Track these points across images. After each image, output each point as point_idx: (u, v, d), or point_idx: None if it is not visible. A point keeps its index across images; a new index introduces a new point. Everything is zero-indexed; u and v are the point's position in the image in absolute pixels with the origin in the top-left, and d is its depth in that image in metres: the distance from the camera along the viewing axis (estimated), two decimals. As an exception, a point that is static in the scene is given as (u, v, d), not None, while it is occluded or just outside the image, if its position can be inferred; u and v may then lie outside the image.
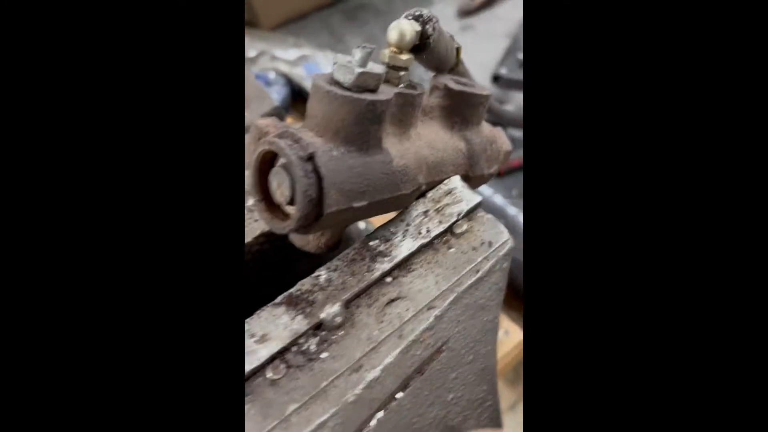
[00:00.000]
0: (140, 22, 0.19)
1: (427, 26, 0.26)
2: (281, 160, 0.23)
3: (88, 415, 0.18)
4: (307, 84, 1.00)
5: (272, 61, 1.03)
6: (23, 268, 0.17)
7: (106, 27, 0.19)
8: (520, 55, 1.02)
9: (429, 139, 0.30)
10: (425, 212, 0.30)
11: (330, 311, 0.26)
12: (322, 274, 0.27)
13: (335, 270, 0.28)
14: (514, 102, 0.97)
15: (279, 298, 0.26)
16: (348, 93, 0.22)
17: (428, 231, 0.29)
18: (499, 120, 0.89)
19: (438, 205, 0.30)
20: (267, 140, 0.23)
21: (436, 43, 0.27)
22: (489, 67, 1.07)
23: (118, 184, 0.19)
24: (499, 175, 0.88)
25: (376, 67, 0.24)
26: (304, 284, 0.27)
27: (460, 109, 0.31)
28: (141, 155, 0.19)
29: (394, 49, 0.26)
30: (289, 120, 1.02)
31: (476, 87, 0.33)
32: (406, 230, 0.29)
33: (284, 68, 1.01)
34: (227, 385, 0.20)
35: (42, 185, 0.18)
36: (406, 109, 0.27)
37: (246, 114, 0.50)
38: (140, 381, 0.19)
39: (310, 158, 0.22)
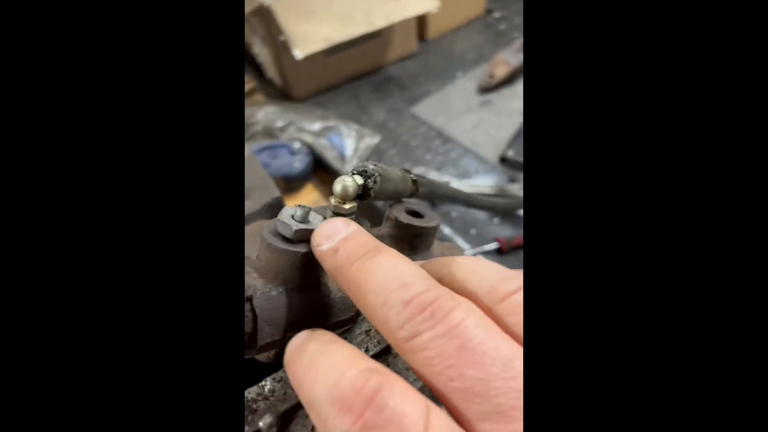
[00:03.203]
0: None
1: (369, 180, 0.31)
2: (231, 294, 0.28)
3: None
4: (327, 154, 1.08)
5: (298, 131, 1.12)
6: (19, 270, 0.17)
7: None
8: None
9: (375, 266, 0.34)
10: (367, 331, 0.34)
11: (267, 421, 0.30)
12: (267, 384, 0.31)
13: (279, 381, 0.32)
14: (521, 182, 1.01)
15: (227, 405, 0.31)
16: (286, 246, 0.27)
17: (366, 350, 0.33)
18: (496, 211, 0.93)
19: (379, 326, 0.34)
20: (219, 278, 0.28)
21: (378, 192, 0.32)
22: (502, 142, 1.12)
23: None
24: (501, 251, 0.91)
25: (316, 221, 0.28)
26: (251, 392, 0.31)
27: (408, 238, 0.36)
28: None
29: (339, 200, 0.31)
30: (309, 187, 1.10)
31: (426, 216, 0.37)
32: (347, 348, 0.33)
33: (309, 139, 1.09)
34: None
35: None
36: (346, 249, 0.31)
37: (247, 203, 0.56)
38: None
39: (249, 299, 0.27)
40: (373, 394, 0.18)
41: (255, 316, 0.27)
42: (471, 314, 0.20)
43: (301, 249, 0.27)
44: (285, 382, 0.32)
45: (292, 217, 0.28)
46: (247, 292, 0.27)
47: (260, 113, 1.16)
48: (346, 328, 0.34)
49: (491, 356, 0.18)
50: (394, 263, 0.23)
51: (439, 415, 0.19)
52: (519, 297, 0.21)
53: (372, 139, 1.14)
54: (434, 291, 0.21)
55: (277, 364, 0.33)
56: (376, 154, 1.13)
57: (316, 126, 1.14)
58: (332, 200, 0.31)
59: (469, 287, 0.23)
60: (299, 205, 0.28)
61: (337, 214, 0.31)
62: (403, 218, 0.35)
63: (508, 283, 0.21)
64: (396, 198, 0.36)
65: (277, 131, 1.13)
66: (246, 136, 1.12)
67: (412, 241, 0.36)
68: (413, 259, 0.36)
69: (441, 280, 0.24)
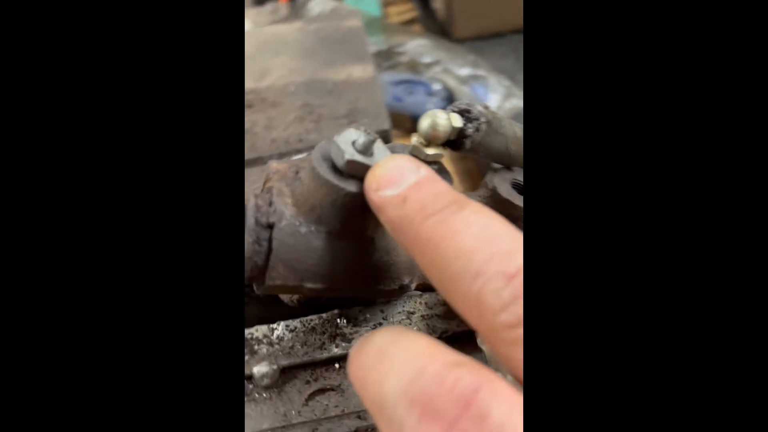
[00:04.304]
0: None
1: (469, 125, 0.23)
2: (259, 214, 0.23)
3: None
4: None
5: (444, 72, 1.02)
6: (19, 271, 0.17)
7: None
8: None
9: (447, 239, 0.26)
10: (410, 313, 0.27)
11: (262, 370, 0.25)
12: (278, 329, 0.27)
13: (292, 330, 0.27)
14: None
15: (231, 333, 0.27)
16: (332, 177, 0.21)
17: (401, 335, 0.26)
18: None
19: (428, 312, 0.27)
20: (253, 193, 0.23)
21: (478, 144, 0.23)
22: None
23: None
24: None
25: (381, 156, 0.21)
26: (258, 330, 0.27)
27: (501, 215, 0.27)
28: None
29: (422, 140, 0.23)
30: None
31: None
32: (380, 324, 0.26)
33: (451, 83, 1.00)
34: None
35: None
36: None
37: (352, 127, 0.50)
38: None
39: (270, 227, 0.21)
40: (469, 397, 0.14)
41: (270, 249, 0.21)
42: None
43: (350, 187, 0.21)
44: (297, 334, 0.27)
45: (353, 144, 0.21)
46: (271, 218, 0.21)
47: (410, 44, 1.08)
48: (384, 301, 0.27)
49: None
50: (487, 221, 0.17)
51: None
52: None
53: (520, 101, 1.00)
54: None
55: (301, 311, 0.28)
56: (519, 118, 1.00)
57: (464, 71, 1.04)
58: (414, 138, 0.24)
59: None
60: (366, 130, 0.21)
61: (414, 157, 0.23)
62: (504, 191, 0.26)
63: None
64: (504, 162, 0.27)
65: (421, 66, 1.05)
66: (387, 64, 1.06)
67: (505, 223, 0.27)
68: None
69: None
